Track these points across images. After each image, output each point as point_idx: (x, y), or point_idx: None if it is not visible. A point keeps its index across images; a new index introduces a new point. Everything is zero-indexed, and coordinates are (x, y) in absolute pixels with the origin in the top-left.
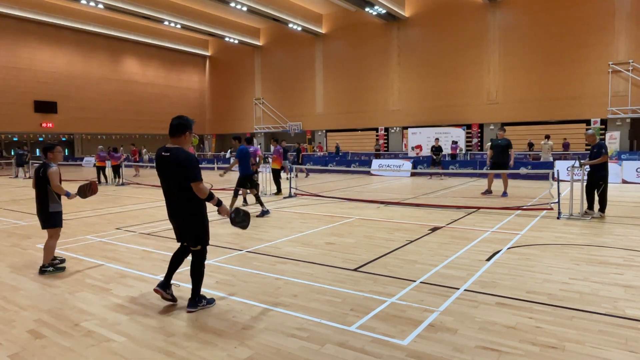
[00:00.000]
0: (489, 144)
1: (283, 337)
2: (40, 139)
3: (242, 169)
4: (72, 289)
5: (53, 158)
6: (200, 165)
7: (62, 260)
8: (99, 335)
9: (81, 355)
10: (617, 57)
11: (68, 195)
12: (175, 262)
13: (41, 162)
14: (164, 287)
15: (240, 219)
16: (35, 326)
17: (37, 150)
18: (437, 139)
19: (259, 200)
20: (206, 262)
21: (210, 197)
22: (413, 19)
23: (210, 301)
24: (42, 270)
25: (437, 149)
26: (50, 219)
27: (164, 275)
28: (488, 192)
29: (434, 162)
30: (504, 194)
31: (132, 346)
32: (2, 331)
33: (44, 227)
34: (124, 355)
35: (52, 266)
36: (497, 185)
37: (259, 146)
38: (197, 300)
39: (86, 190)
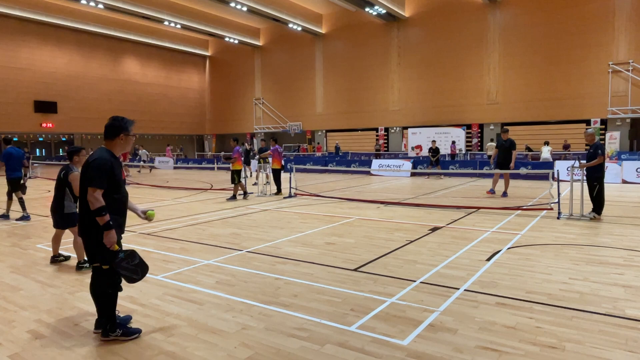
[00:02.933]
0: (490, 144)
1: (283, 337)
2: (40, 139)
3: (9, 171)
4: (72, 289)
5: (79, 161)
6: (200, 166)
7: (67, 257)
8: (99, 335)
9: (81, 355)
10: (617, 57)
11: None
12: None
13: (65, 164)
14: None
15: (130, 266)
16: (35, 326)
17: (37, 150)
18: (433, 141)
19: (21, 205)
20: (207, 262)
21: (99, 212)
22: (413, 19)
23: (130, 332)
24: (79, 267)
25: (434, 151)
26: (68, 219)
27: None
28: (492, 191)
29: (432, 163)
30: (504, 194)
31: (133, 346)
32: (2, 331)
33: (59, 227)
34: (124, 355)
35: (61, 262)
36: (499, 184)
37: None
38: (109, 328)
39: None
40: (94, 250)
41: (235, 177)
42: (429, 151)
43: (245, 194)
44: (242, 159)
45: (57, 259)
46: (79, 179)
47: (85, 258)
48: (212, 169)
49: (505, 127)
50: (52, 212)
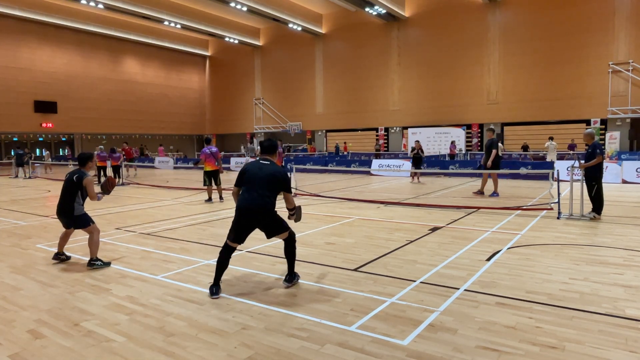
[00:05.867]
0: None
1: (283, 337)
2: (40, 139)
3: None
4: (72, 289)
5: (91, 167)
6: (200, 166)
7: (68, 257)
8: (99, 335)
9: (81, 355)
10: (617, 57)
11: (99, 198)
12: (225, 264)
13: (76, 168)
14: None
15: (298, 216)
16: (35, 326)
17: (37, 150)
18: (417, 141)
19: None
20: (206, 262)
21: (295, 207)
22: (413, 19)
23: (298, 277)
24: (91, 264)
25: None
26: (79, 221)
27: (215, 278)
28: (480, 192)
29: (415, 163)
30: (493, 193)
31: (132, 346)
32: (2, 331)
33: (70, 227)
34: (124, 355)
35: (62, 261)
36: (489, 184)
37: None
38: (293, 276)
39: (108, 186)
40: (278, 225)
41: (205, 179)
42: (411, 151)
43: (209, 199)
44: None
45: (59, 257)
46: (93, 183)
47: (97, 256)
48: None
49: (490, 127)
50: (60, 214)
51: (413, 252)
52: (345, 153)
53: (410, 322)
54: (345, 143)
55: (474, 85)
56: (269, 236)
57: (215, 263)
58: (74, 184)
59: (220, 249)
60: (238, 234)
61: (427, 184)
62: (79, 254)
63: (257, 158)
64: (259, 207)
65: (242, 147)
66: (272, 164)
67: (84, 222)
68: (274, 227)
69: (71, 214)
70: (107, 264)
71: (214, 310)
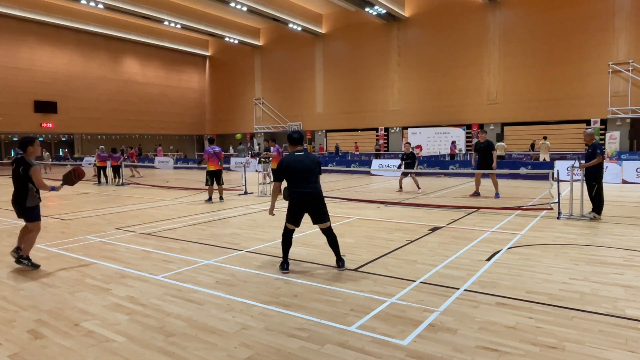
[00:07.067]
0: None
1: (283, 337)
2: (40, 139)
3: None
4: (72, 289)
5: (33, 152)
6: (200, 166)
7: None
8: (99, 335)
9: (81, 355)
10: (617, 57)
11: (53, 189)
12: (289, 244)
13: (18, 156)
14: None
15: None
16: (35, 326)
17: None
18: (407, 144)
19: None
20: (206, 262)
21: None
22: (413, 19)
23: (344, 261)
24: (20, 260)
25: (408, 156)
26: (28, 213)
27: (284, 255)
28: (476, 194)
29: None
30: (496, 195)
31: (132, 346)
32: (2, 331)
33: (21, 217)
34: (124, 355)
35: (29, 260)
36: (489, 187)
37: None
38: (343, 261)
39: (72, 177)
40: (325, 213)
41: (208, 178)
42: (402, 158)
43: (209, 199)
44: (219, 160)
45: (18, 251)
46: (40, 171)
47: (29, 256)
48: None
49: (483, 129)
50: (13, 203)
51: (413, 252)
52: (357, 153)
53: (410, 322)
54: (356, 143)
55: (474, 85)
56: (315, 221)
57: (281, 245)
58: (21, 177)
59: (282, 232)
60: (294, 218)
61: (428, 184)
62: (79, 253)
63: (291, 151)
64: (312, 193)
65: (230, 147)
66: (306, 152)
67: (32, 216)
68: (322, 213)
69: (24, 205)
70: (36, 266)
71: (214, 310)
